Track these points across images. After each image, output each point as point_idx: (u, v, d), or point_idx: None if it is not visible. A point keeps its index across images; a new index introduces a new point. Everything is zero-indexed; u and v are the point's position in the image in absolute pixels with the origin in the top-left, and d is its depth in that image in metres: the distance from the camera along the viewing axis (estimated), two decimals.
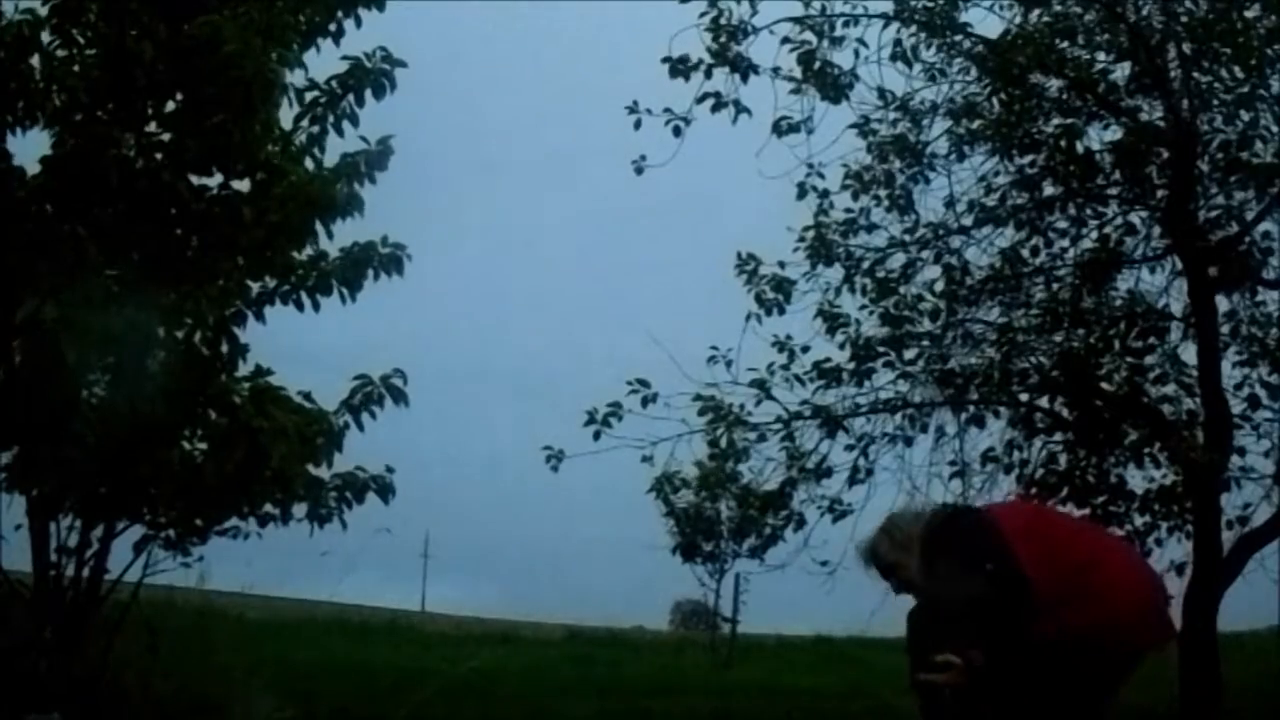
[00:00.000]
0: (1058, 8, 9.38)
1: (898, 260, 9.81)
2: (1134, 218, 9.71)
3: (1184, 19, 9.00)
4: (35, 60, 6.62)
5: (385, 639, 18.68)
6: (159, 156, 6.73)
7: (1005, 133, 9.50)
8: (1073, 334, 9.56)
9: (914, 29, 9.37)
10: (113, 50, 6.58)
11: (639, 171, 9.44)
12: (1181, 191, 9.15)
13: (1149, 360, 9.47)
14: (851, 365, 9.56)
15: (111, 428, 6.59)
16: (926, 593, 4.34)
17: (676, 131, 9.21)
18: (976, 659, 4.10)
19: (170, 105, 6.78)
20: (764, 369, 9.46)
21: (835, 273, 9.73)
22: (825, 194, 9.75)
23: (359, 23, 7.23)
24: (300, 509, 7.10)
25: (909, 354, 9.69)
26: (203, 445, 7.03)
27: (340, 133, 7.07)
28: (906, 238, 9.81)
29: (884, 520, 4.71)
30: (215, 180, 6.85)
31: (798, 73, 9.29)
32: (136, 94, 6.61)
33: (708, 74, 9.16)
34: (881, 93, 9.57)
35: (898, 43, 9.39)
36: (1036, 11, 9.35)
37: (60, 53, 6.69)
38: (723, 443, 9.46)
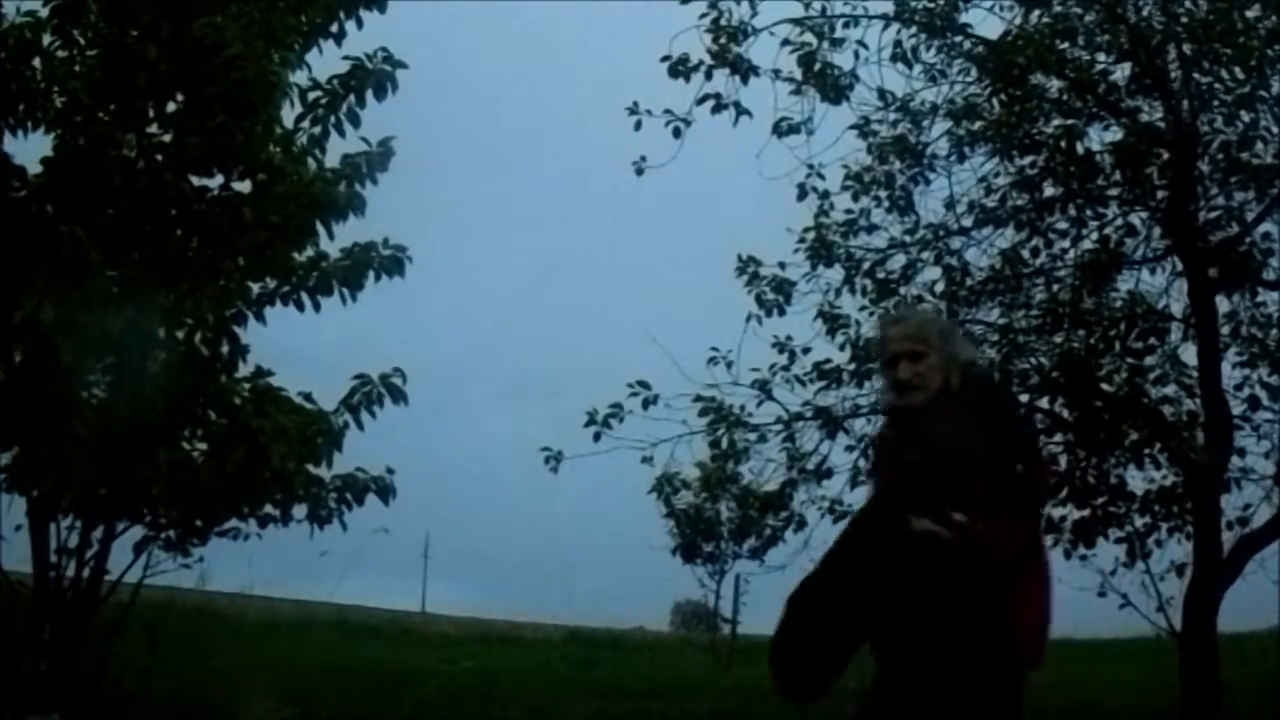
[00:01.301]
0: (1058, 8, 9.37)
1: (898, 261, 9.82)
2: (1134, 218, 9.71)
3: (1184, 20, 9.00)
4: (36, 62, 6.61)
5: (385, 639, 18.69)
6: (160, 157, 6.74)
7: (1005, 134, 9.49)
8: (1073, 335, 9.56)
9: (914, 30, 9.38)
10: (114, 51, 6.57)
11: (639, 172, 9.46)
12: (1182, 192, 9.14)
13: (1149, 361, 9.46)
14: (852, 366, 9.55)
15: (111, 428, 6.58)
16: (941, 439, 3.91)
17: (677, 133, 9.23)
18: (980, 529, 3.74)
19: (171, 106, 6.78)
20: (765, 370, 9.48)
21: (835, 274, 9.75)
22: (825, 195, 9.76)
23: (360, 24, 7.24)
24: (300, 510, 7.11)
25: None
26: (203, 446, 7.03)
27: (341, 133, 7.08)
28: (907, 239, 9.81)
29: (934, 312, 4.22)
30: (216, 181, 6.86)
31: (798, 74, 9.30)
32: (138, 95, 6.60)
33: (708, 75, 9.18)
34: (882, 94, 9.58)
35: (898, 44, 9.41)
36: (1036, 12, 9.34)
37: (61, 54, 6.69)
38: (723, 444, 9.47)
